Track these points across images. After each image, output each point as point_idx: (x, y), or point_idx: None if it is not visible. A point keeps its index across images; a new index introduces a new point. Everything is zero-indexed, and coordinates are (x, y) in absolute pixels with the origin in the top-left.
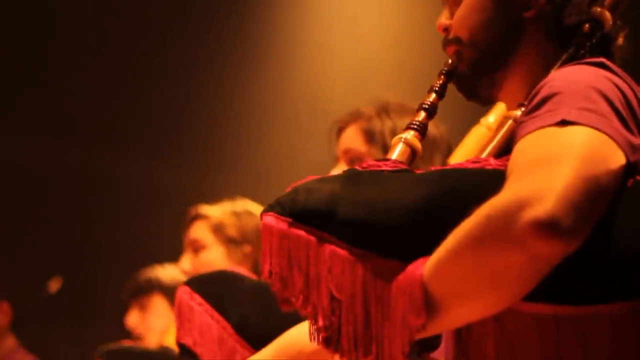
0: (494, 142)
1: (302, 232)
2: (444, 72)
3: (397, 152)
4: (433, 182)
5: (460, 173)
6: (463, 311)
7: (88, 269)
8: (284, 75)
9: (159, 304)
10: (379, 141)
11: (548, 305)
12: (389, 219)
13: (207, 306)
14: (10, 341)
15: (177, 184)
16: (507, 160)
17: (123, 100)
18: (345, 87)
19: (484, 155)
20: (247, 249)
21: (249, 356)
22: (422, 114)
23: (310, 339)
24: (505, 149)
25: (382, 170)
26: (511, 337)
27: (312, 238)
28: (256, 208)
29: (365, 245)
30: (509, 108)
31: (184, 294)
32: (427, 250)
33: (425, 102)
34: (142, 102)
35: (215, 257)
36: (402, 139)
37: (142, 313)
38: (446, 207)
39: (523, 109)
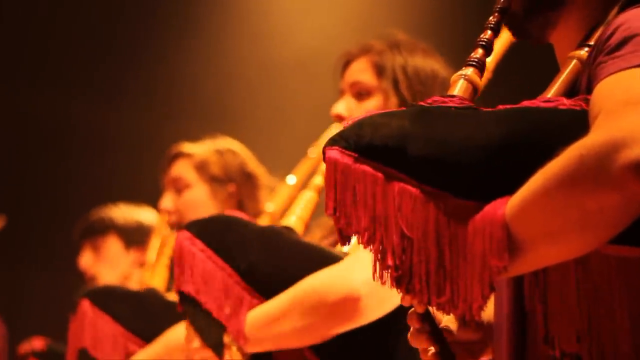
0: (559, 82)
1: (368, 168)
2: (497, 9)
3: (458, 89)
4: (512, 120)
5: (538, 112)
6: (547, 253)
7: (35, 208)
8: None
9: (113, 245)
10: (389, 75)
11: (634, 248)
12: (465, 157)
13: (210, 252)
14: None
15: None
16: (581, 100)
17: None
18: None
19: (550, 95)
20: (231, 187)
21: (257, 304)
22: (480, 51)
23: (375, 278)
24: (571, 89)
25: (449, 107)
26: (595, 281)
27: (379, 174)
28: (238, 146)
29: (438, 183)
30: (561, 49)
31: (185, 239)
32: (505, 191)
33: (482, 39)
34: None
35: (199, 196)
36: (463, 76)
37: (95, 254)
38: (527, 146)
39: (587, 49)
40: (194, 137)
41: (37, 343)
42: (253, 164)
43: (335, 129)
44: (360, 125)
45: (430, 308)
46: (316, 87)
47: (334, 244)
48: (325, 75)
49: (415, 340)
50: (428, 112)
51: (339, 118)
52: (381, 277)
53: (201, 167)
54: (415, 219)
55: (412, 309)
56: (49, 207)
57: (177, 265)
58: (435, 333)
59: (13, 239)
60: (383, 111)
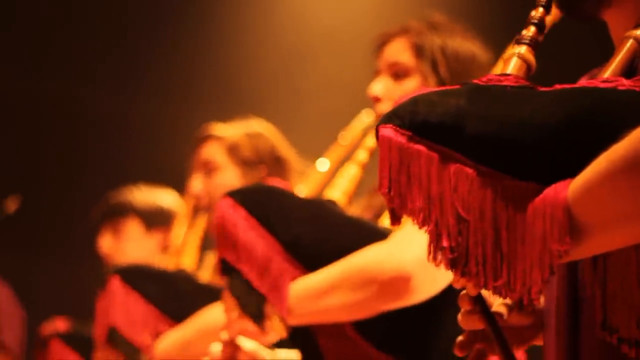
0: (616, 62)
1: (422, 147)
2: None
3: (512, 67)
4: (573, 100)
5: (598, 92)
6: (610, 237)
7: (50, 190)
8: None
9: (133, 228)
10: (428, 56)
11: None
12: (525, 138)
13: (253, 221)
14: None
15: (149, 113)
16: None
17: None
18: None
19: (607, 75)
20: (261, 171)
21: (300, 277)
22: (532, 29)
23: (430, 259)
24: (628, 69)
25: (505, 86)
26: None
27: (434, 154)
28: (269, 129)
29: (496, 164)
30: (617, 27)
31: (227, 207)
32: (566, 173)
33: (534, 17)
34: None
35: (229, 179)
36: (517, 54)
37: (115, 237)
38: (588, 126)
39: None
40: (216, 121)
41: (61, 324)
42: (284, 147)
43: (365, 115)
44: (414, 102)
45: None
46: (340, 67)
47: (373, 219)
48: (351, 55)
49: (466, 322)
50: (485, 90)
51: (376, 99)
52: (436, 258)
53: (232, 150)
54: (472, 200)
55: (464, 290)
56: (65, 189)
57: (218, 233)
58: (487, 316)
59: (29, 222)
60: (437, 89)
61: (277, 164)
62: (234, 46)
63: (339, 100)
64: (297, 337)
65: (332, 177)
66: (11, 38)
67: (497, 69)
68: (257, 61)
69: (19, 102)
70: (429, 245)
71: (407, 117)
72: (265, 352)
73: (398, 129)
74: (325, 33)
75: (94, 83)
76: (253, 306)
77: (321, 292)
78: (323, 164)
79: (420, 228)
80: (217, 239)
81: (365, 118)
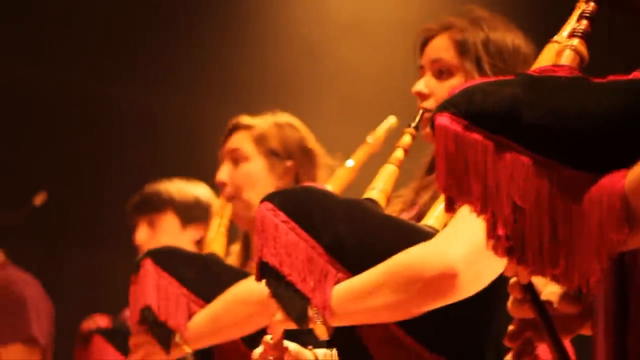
0: None
1: (478, 136)
2: None
3: (565, 58)
4: (631, 90)
5: None
6: None
7: (81, 184)
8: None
9: (169, 221)
10: (471, 54)
11: None
12: (582, 127)
13: (293, 224)
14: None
15: (175, 110)
16: None
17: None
18: None
19: None
20: (289, 163)
21: (343, 279)
22: (584, 22)
23: (489, 248)
24: None
25: (560, 76)
26: None
27: (490, 142)
28: (297, 121)
29: (553, 153)
30: None
31: (267, 210)
32: (623, 162)
33: (585, 11)
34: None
35: (255, 169)
36: (570, 46)
37: (151, 230)
38: None
39: None
40: (247, 114)
41: (102, 320)
42: (312, 141)
43: (391, 120)
44: (470, 91)
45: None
46: (373, 56)
47: (414, 218)
48: (372, 46)
49: (516, 310)
50: (540, 80)
51: (421, 95)
52: (493, 247)
53: (260, 140)
54: (528, 189)
55: (514, 278)
56: (96, 184)
57: (259, 236)
58: (538, 304)
59: (58, 216)
60: (492, 79)
61: (305, 156)
62: (259, 39)
63: (361, 91)
64: (342, 340)
65: (356, 175)
66: (40, 33)
67: (542, 61)
68: (280, 54)
69: (49, 97)
70: (486, 234)
71: (463, 106)
72: (308, 353)
73: (454, 117)
74: (345, 25)
75: (122, 77)
76: (297, 308)
77: (365, 292)
78: (351, 163)
79: (478, 217)
80: (257, 242)
81: (392, 119)
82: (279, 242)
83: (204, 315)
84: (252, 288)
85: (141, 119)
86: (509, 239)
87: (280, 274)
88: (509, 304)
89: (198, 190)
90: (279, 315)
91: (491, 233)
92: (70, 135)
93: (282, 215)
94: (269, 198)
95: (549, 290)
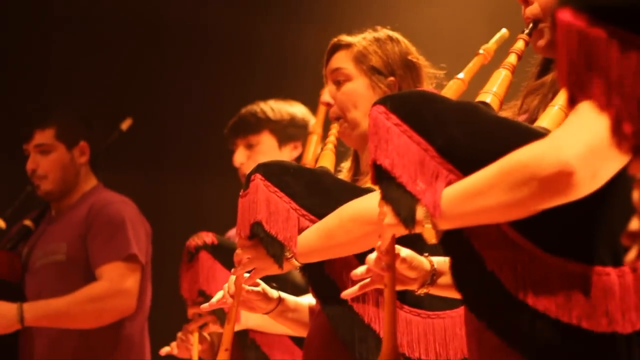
0: None
1: (602, 31)
2: None
3: None
4: None
5: None
6: None
7: (161, 112)
8: None
9: (267, 142)
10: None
11: None
12: None
13: (406, 127)
14: (92, 179)
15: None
16: None
17: None
18: None
19: None
20: (391, 78)
21: (455, 181)
22: None
23: (613, 145)
24: None
25: None
26: None
27: (614, 37)
28: (399, 35)
29: None
30: None
31: (379, 113)
32: None
33: None
34: None
35: (357, 88)
36: None
37: (249, 151)
38: None
39: None
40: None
41: (208, 237)
42: (415, 53)
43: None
44: None
45: None
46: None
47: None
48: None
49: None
50: None
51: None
52: (617, 144)
53: (360, 59)
54: None
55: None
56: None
57: (371, 139)
58: None
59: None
60: None
61: (408, 70)
62: None
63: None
64: (452, 245)
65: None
66: None
67: None
68: None
69: (142, 23)
70: (611, 132)
71: (585, 0)
72: (423, 259)
73: (577, 11)
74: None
75: (218, 3)
76: (405, 209)
77: (477, 192)
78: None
79: (601, 113)
80: (370, 145)
81: (503, 30)
82: (391, 145)
83: (316, 230)
84: (369, 206)
85: (240, 43)
86: (636, 136)
87: (392, 176)
88: (634, 196)
89: (293, 108)
90: (389, 218)
91: (616, 130)
92: (166, 60)
93: (395, 118)
94: (382, 101)
95: None
